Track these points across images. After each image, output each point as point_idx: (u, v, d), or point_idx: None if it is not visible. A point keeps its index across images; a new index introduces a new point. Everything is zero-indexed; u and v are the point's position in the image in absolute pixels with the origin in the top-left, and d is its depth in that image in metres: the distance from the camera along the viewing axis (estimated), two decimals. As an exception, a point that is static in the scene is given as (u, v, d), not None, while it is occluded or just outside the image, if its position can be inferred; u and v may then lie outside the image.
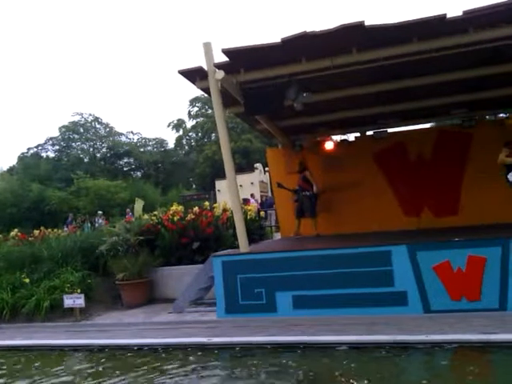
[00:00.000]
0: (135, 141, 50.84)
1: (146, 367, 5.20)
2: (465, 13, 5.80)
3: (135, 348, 5.92)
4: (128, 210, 20.90)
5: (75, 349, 6.26)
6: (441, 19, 5.89)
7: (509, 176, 7.50)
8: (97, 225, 18.46)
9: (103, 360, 5.69)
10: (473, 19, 5.94)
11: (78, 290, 8.20)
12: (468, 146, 10.00)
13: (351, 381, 4.27)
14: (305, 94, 7.53)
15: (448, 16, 5.86)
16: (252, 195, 20.70)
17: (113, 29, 79.25)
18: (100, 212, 21.32)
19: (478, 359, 4.76)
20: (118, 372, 5.15)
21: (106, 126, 49.68)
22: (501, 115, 10.32)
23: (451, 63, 7.35)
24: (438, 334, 5.12)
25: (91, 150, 48.27)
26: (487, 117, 10.86)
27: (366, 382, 4.22)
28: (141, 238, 9.39)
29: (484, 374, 4.54)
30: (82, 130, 47.44)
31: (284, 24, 71.37)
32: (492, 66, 7.64)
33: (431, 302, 6.15)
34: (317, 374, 4.59)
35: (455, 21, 5.94)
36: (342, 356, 4.94)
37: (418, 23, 5.95)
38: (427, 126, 12.36)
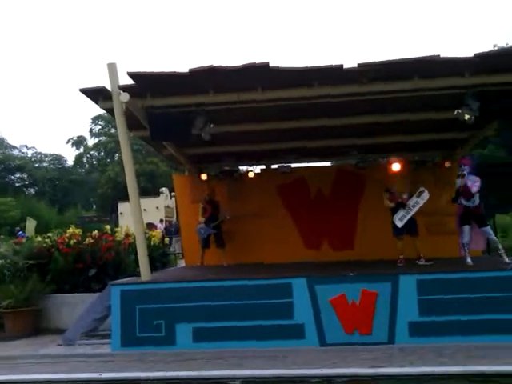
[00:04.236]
0: (30, 155, 47.59)
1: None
2: (359, 65, 6.28)
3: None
4: (18, 228, 19.34)
5: None
6: (339, 69, 6.32)
7: (394, 219, 8.01)
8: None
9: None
10: (366, 71, 6.44)
11: (-48, 319, 7.36)
12: (362, 185, 10.76)
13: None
14: (212, 125, 7.63)
15: (345, 66, 6.30)
16: (161, 220, 20.35)
17: (15, 35, 74.53)
18: (-13, 231, 19.45)
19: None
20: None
21: (-3, 136, 46.02)
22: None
23: (347, 109, 7.87)
24: (330, 367, 5.37)
25: (-22, 162, 44.19)
26: (380, 159, 11.81)
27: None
28: (31, 261, 8.70)
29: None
30: (-32, 140, 43.47)
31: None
32: (382, 115, 8.33)
33: (327, 335, 6.41)
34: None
35: (351, 71, 6.40)
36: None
37: (318, 70, 6.34)
38: (328, 163, 13.14)
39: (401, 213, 7.93)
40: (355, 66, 6.31)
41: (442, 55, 6.15)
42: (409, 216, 7.88)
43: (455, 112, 7.07)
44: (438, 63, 6.31)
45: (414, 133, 9.53)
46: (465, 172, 7.39)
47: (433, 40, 73.16)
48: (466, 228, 7.46)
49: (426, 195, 7.79)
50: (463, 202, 7.41)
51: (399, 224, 7.92)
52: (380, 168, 10.86)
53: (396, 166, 8.80)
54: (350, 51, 73.69)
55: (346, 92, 7.02)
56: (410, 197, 7.91)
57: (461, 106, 6.99)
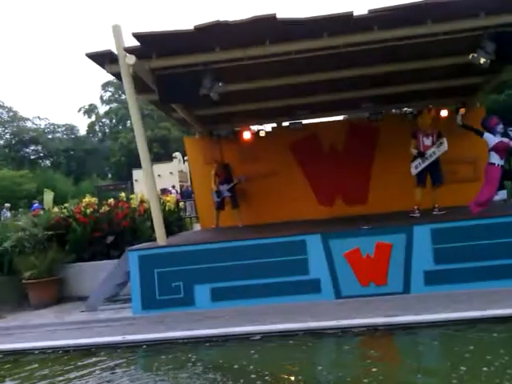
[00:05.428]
0: (42, 127, 47.77)
1: (52, 372, 4.92)
2: (370, 11, 6.04)
3: (36, 352, 5.57)
4: (35, 201, 19.64)
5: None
6: (348, 16, 6.07)
7: (411, 165, 7.92)
8: (2, 218, 17.10)
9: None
10: (377, 18, 6.18)
11: (-21, 292, 7.57)
12: (376, 138, 10.60)
13: (259, 369, 4.41)
14: (220, 84, 7.47)
15: (355, 14, 6.06)
16: (173, 186, 20.55)
17: (20, 7, 73.44)
18: (7, 204, 19.81)
19: (382, 340, 5.13)
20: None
21: (9, 110, 46.05)
22: (404, 109, 11.00)
23: (358, 59, 7.66)
24: (346, 319, 5.42)
25: (-8, 136, 44.64)
26: (393, 110, 11.53)
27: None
28: (50, 232, 8.84)
29: (387, 354, 4.90)
30: (-20, 114, 43.71)
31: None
32: (395, 64, 8.07)
33: (342, 288, 6.46)
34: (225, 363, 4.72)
35: (362, 19, 6.15)
36: (256, 345, 5.07)
37: (327, 19, 6.11)
38: (339, 118, 12.89)
39: (416, 161, 7.87)
40: (365, 12, 6.06)
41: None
42: (424, 165, 7.79)
43: (470, 56, 6.78)
44: (452, 4, 6.00)
45: (427, 81, 9.24)
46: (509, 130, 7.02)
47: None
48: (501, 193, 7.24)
49: (443, 147, 7.69)
50: (496, 160, 6.94)
51: (413, 171, 7.89)
52: (394, 119, 10.64)
53: (433, 113, 8.44)
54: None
55: (357, 41, 6.79)
56: (433, 144, 7.79)
57: (476, 49, 6.70)
